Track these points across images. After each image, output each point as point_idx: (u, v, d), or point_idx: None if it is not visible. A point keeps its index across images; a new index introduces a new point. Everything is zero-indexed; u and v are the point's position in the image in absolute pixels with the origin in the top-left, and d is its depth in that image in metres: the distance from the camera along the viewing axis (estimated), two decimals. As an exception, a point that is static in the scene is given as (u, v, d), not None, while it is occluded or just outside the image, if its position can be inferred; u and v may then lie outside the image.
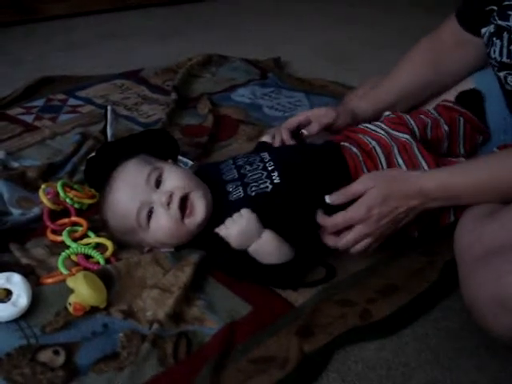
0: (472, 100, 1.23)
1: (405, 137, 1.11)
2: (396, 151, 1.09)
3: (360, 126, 1.18)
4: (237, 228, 0.99)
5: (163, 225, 1.02)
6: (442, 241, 1.09)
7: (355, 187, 1.01)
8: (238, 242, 1.00)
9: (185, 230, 1.03)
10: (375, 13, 2.64)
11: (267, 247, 0.99)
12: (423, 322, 0.97)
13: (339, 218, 1.00)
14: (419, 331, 0.96)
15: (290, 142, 1.21)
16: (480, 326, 0.85)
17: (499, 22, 1.02)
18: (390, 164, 1.09)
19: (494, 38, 1.05)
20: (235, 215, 1.00)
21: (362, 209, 0.99)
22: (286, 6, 2.76)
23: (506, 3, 1.01)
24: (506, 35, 1.01)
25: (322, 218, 1.02)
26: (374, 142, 1.11)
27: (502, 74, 1.08)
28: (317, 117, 1.22)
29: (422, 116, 1.18)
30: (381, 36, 2.33)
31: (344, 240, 1.01)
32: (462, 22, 1.22)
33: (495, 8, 1.05)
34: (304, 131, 1.21)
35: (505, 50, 1.02)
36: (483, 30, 1.09)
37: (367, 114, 1.27)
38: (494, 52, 1.05)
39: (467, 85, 1.25)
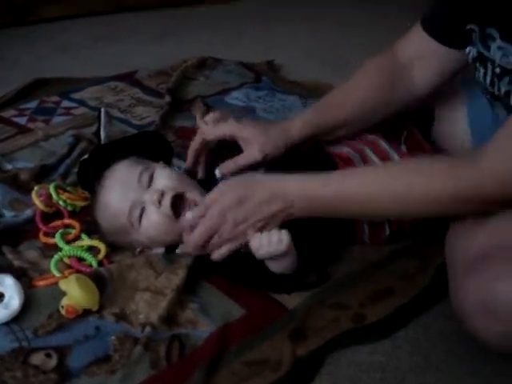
0: (422, 118, 1.20)
1: (373, 137, 1.14)
2: (368, 151, 1.11)
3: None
4: (269, 251, 0.94)
5: (155, 223, 1.02)
6: (434, 245, 1.10)
7: (209, 196, 0.98)
8: (262, 258, 0.97)
9: (178, 226, 1.02)
10: (369, 16, 2.64)
11: (286, 261, 0.97)
12: (416, 326, 0.97)
13: (197, 230, 0.97)
14: (412, 335, 0.96)
15: (190, 166, 1.14)
16: (469, 333, 0.85)
17: (481, 50, 0.97)
18: (366, 163, 1.10)
19: (477, 64, 1.00)
20: (275, 235, 0.93)
21: (214, 214, 0.95)
22: (279, 10, 2.76)
23: (488, 32, 0.93)
24: (489, 66, 0.96)
25: (185, 235, 0.99)
26: (346, 149, 1.12)
27: (488, 97, 1.04)
28: (245, 141, 1.09)
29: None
30: (375, 39, 2.31)
31: (209, 246, 0.97)
32: (432, 32, 1.09)
33: (476, 29, 0.97)
34: (217, 172, 1.09)
35: (488, 78, 0.98)
36: (467, 49, 1.02)
37: (304, 139, 1.13)
38: (479, 77, 1.01)
39: (458, 109, 1.22)
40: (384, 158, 1.11)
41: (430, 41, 1.10)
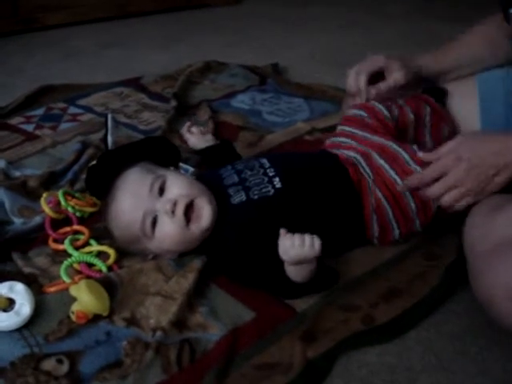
0: (436, 96, 1.25)
1: (380, 140, 1.12)
2: (376, 155, 1.10)
3: (331, 141, 1.19)
4: (300, 253, 0.93)
5: (169, 232, 1.02)
6: (442, 244, 1.10)
7: (443, 148, 1.00)
8: (291, 261, 0.96)
9: (190, 236, 1.03)
10: (375, 17, 2.63)
11: (308, 268, 0.97)
12: (426, 326, 0.97)
13: (430, 169, 0.99)
14: (422, 335, 0.96)
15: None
16: (495, 322, 0.84)
17: None
18: (373, 167, 1.09)
19: None
20: (308, 238, 0.94)
21: (450, 156, 0.97)
22: (284, 12, 2.76)
23: None
24: None
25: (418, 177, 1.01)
26: (351, 153, 1.12)
27: None
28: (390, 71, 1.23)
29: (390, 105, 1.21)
30: (381, 40, 2.32)
31: (434, 189, 0.99)
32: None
33: None
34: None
35: None
36: (511, 11, 1.07)
37: (432, 72, 1.28)
38: None
39: (469, 84, 1.24)
40: (394, 159, 1.10)
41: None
